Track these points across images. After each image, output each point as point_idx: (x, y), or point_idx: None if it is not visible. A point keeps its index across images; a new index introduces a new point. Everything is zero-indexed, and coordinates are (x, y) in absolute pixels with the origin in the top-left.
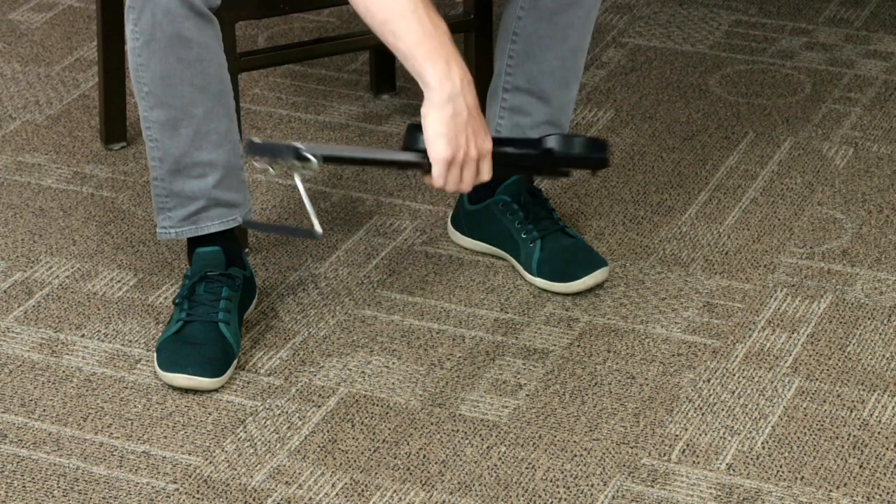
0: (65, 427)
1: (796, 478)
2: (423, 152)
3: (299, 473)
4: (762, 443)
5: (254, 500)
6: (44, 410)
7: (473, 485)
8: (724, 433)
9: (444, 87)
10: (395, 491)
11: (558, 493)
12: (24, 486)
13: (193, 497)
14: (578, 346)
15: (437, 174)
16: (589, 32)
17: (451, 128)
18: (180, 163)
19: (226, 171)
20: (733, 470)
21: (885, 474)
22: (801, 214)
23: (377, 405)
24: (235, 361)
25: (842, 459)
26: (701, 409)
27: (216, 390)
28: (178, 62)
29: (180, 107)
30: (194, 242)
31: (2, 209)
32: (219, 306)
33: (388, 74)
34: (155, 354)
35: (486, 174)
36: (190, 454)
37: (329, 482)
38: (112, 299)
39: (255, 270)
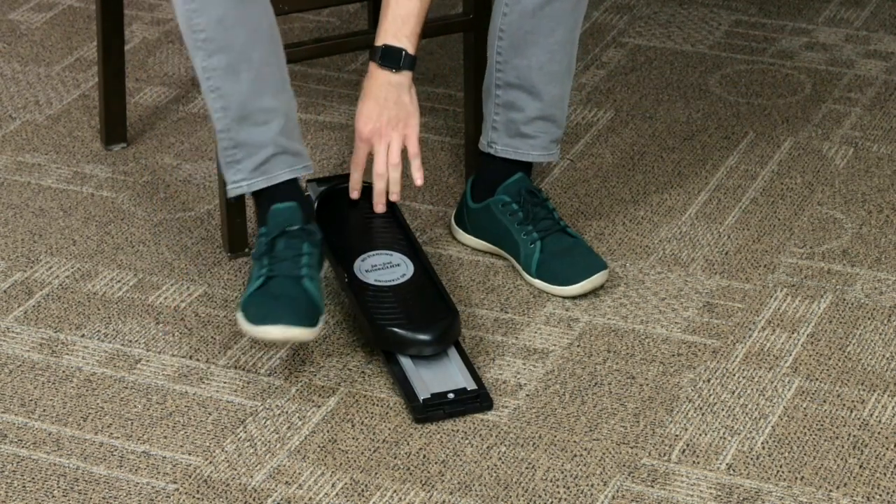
0: (65, 427)
1: (796, 478)
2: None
3: (299, 473)
4: (762, 443)
5: (254, 500)
6: (44, 410)
7: (473, 485)
8: (724, 433)
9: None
10: (395, 491)
11: (558, 493)
12: (24, 486)
13: (193, 497)
14: (578, 346)
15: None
16: (577, 26)
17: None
18: (245, 109)
19: (286, 119)
20: (733, 470)
21: (885, 474)
22: (801, 214)
23: (377, 405)
24: (324, 317)
25: (842, 459)
26: (701, 409)
27: (216, 391)
28: (233, 3)
29: (239, 50)
30: (267, 199)
31: (2, 209)
32: (301, 262)
33: None
34: (240, 313)
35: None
36: (190, 454)
37: (329, 482)
38: (112, 299)
39: None
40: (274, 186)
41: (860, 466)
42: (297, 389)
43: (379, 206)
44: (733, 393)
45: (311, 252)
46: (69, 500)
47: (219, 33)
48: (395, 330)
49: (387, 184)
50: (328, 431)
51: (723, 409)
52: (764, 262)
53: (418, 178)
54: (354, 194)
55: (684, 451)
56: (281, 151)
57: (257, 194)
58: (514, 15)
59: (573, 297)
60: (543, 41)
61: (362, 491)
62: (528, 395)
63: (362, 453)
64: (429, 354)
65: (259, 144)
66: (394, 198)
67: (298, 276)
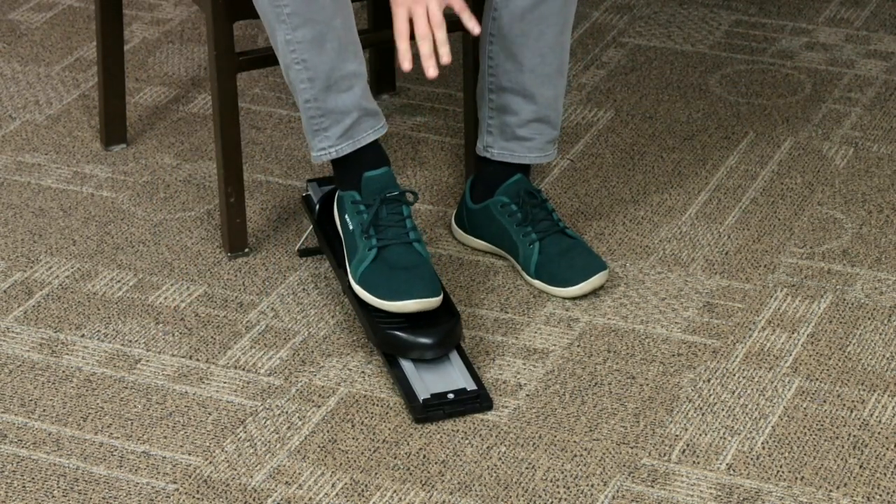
0: (65, 427)
1: (796, 478)
2: None
3: (299, 473)
4: (762, 443)
5: (254, 500)
6: (44, 410)
7: (473, 485)
8: (724, 433)
9: None
10: (395, 491)
11: (558, 493)
12: (24, 486)
13: (193, 497)
14: (578, 346)
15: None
16: (567, 27)
17: None
18: (331, 78)
19: (364, 79)
20: (733, 470)
21: (885, 474)
22: (801, 214)
23: (377, 405)
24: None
25: (842, 459)
26: (701, 409)
27: (216, 391)
28: None
29: (324, 20)
30: (354, 165)
31: (2, 209)
32: (406, 226)
33: (388, 74)
34: (359, 287)
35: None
36: (190, 454)
37: (329, 482)
38: (112, 299)
39: (255, 270)
40: (359, 151)
41: (860, 466)
42: (297, 389)
43: (430, 71)
44: (733, 393)
45: (410, 214)
46: (69, 500)
47: (304, 6)
48: (397, 333)
49: (433, 47)
50: (328, 431)
51: (723, 409)
52: (764, 262)
53: (473, 25)
54: (405, 65)
55: (684, 451)
56: (364, 114)
57: (340, 159)
58: (502, 20)
59: (573, 298)
60: (534, 44)
61: (362, 491)
62: (528, 395)
63: (362, 453)
64: (430, 358)
65: (344, 111)
66: (444, 60)
67: (409, 241)
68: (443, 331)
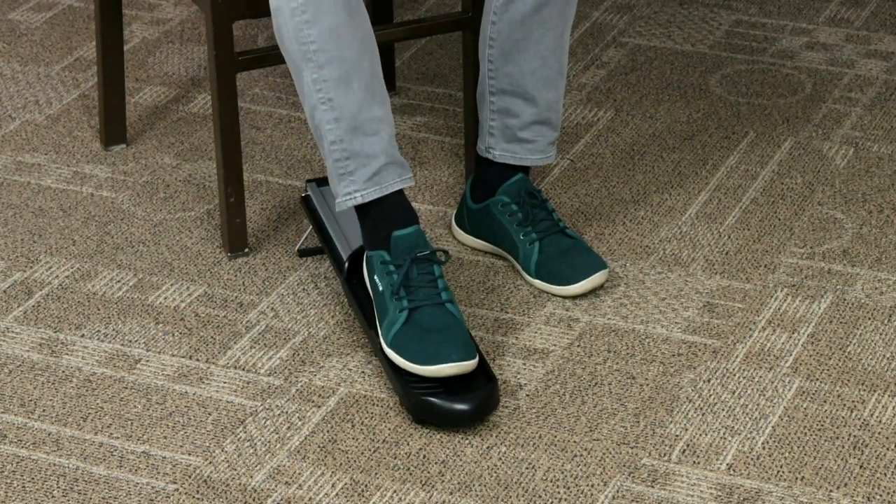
0: (65, 427)
1: (797, 478)
2: None
3: (299, 473)
4: (762, 443)
5: (254, 500)
6: (44, 410)
7: (473, 485)
8: (724, 433)
9: None
10: (395, 491)
11: (558, 493)
12: (23, 486)
13: (193, 497)
14: (578, 346)
15: None
16: (567, 29)
17: None
18: (357, 119)
19: (391, 128)
20: (733, 470)
21: (885, 474)
22: (801, 214)
23: (377, 405)
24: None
25: (842, 460)
26: (701, 409)
27: (216, 391)
28: (344, 11)
29: (352, 60)
30: (381, 219)
31: (2, 209)
32: (438, 286)
33: (388, 74)
34: (391, 351)
35: None
36: (190, 454)
37: (329, 482)
38: (112, 299)
39: (255, 270)
40: (388, 209)
41: (860, 467)
42: (297, 389)
43: None
44: (733, 393)
45: (441, 274)
46: (69, 500)
47: (332, 44)
48: (433, 400)
49: None
50: (328, 431)
51: (723, 409)
52: (764, 262)
53: None
54: None
55: (684, 451)
56: (391, 161)
57: (368, 211)
58: (502, 23)
59: (573, 297)
60: (534, 48)
61: (362, 491)
62: (528, 395)
63: (362, 453)
64: (467, 426)
65: (371, 154)
66: None
67: (441, 302)
68: (480, 396)
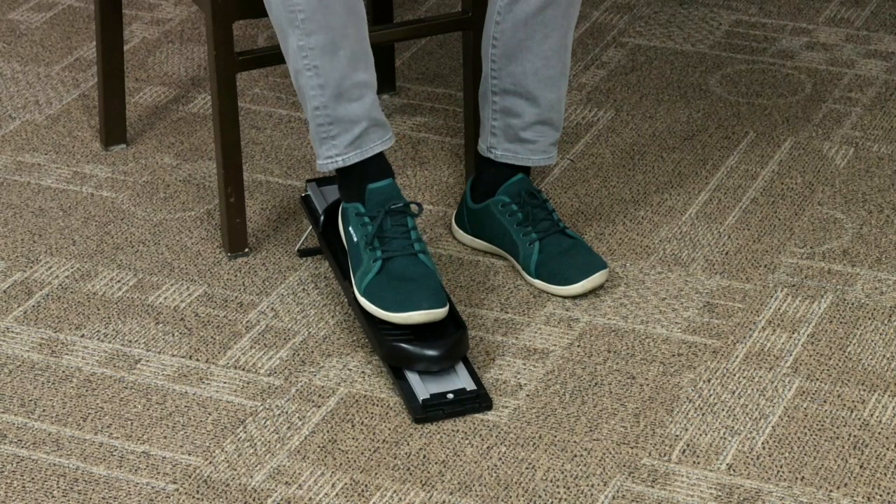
0: (65, 427)
1: (797, 478)
2: None
3: (299, 473)
4: (762, 443)
5: (254, 500)
6: (44, 410)
7: (473, 485)
8: (724, 433)
9: None
10: (395, 491)
11: (558, 493)
12: (24, 486)
13: (193, 497)
14: (578, 346)
15: None
16: (570, 30)
17: None
18: (341, 86)
19: (374, 89)
20: (733, 470)
21: (885, 474)
22: (801, 214)
23: (377, 405)
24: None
25: (842, 460)
26: (701, 409)
27: (216, 391)
28: None
29: (338, 27)
30: (358, 176)
31: (2, 209)
32: (411, 237)
33: (388, 74)
34: (364, 299)
35: None
36: (190, 454)
37: (329, 482)
38: (112, 299)
39: (255, 270)
40: (365, 163)
41: (861, 467)
42: (297, 389)
43: None
44: (733, 393)
45: (414, 226)
46: (69, 500)
47: (318, 12)
48: (403, 345)
49: None
50: (328, 431)
51: (723, 409)
52: (764, 262)
53: None
54: None
55: (684, 451)
56: (373, 124)
57: (346, 170)
58: (506, 24)
59: (573, 297)
60: (537, 48)
61: (362, 491)
62: (528, 395)
63: (362, 453)
64: (437, 370)
65: (354, 120)
66: None
67: (414, 252)
68: (449, 342)
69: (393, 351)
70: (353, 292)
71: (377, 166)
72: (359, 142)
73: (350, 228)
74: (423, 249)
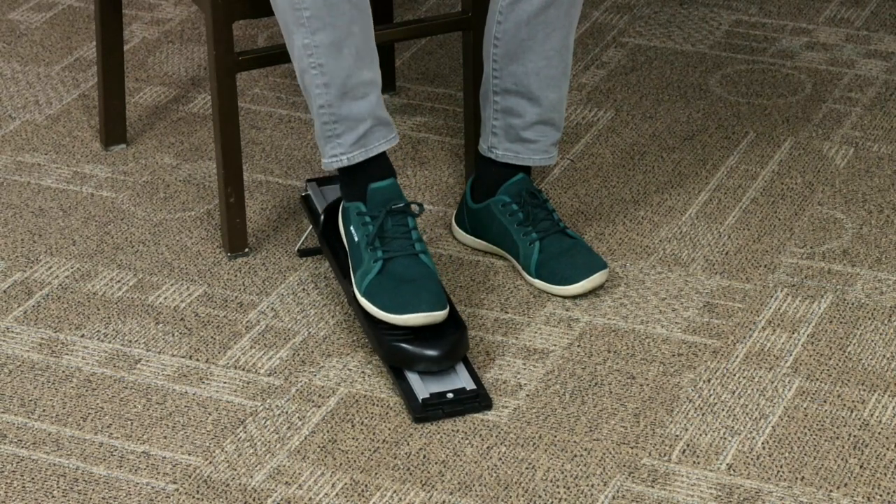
0: (65, 427)
1: (797, 478)
2: None
3: (299, 473)
4: (762, 443)
5: (254, 500)
6: (44, 410)
7: (473, 485)
8: (724, 433)
9: None
10: (395, 491)
11: (558, 493)
12: (24, 486)
13: (193, 497)
14: (578, 346)
15: None
16: (572, 30)
17: None
18: (346, 85)
19: (379, 87)
20: (733, 470)
21: (885, 474)
22: (801, 214)
23: (377, 405)
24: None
25: (842, 460)
26: (701, 409)
27: (216, 391)
28: None
29: (343, 26)
30: (361, 175)
31: (2, 209)
32: (412, 238)
33: (388, 74)
34: (364, 300)
35: None
36: (190, 454)
37: (329, 482)
38: (112, 299)
39: (255, 270)
40: (367, 162)
41: (861, 467)
42: (297, 389)
43: None
44: (733, 393)
45: (415, 226)
46: (69, 500)
47: (324, 10)
48: (403, 346)
49: None
50: (328, 431)
51: (723, 409)
52: (764, 262)
53: None
54: None
55: (684, 451)
56: (378, 123)
57: (349, 168)
58: (508, 23)
59: (573, 297)
60: (539, 48)
61: (362, 491)
62: (528, 395)
63: (362, 453)
64: (437, 370)
65: (359, 118)
66: None
67: (415, 253)
68: (449, 342)
69: (393, 351)
70: (354, 292)
71: (379, 166)
72: (363, 140)
73: (351, 228)
74: (423, 250)
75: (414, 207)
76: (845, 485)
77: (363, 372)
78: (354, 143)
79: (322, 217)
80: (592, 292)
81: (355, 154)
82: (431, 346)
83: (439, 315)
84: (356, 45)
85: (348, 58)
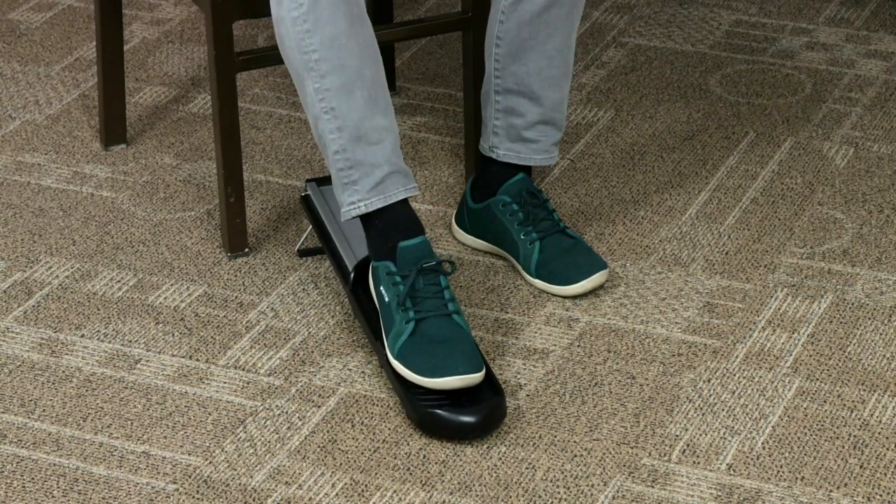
0: (65, 427)
1: (797, 478)
2: None
3: (299, 473)
4: (762, 443)
5: (254, 500)
6: (44, 410)
7: (473, 485)
8: (724, 433)
9: None
10: (395, 491)
11: (558, 493)
12: (24, 486)
13: (193, 497)
14: (578, 346)
15: None
16: (574, 30)
17: None
18: (360, 129)
19: (395, 137)
20: (733, 470)
21: (885, 474)
22: (801, 214)
23: (377, 405)
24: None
25: (842, 460)
26: (701, 409)
27: (216, 391)
28: (345, 20)
29: (353, 68)
30: (388, 236)
31: (2, 209)
32: (444, 297)
33: (388, 74)
34: (397, 363)
35: None
36: (190, 454)
37: (329, 482)
38: (112, 299)
39: (255, 270)
40: (393, 219)
41: (861, 467)
42: (297, 389)
43: None
44: (733, 393)
45: (448, 285)
46: (69, 500)
47: (333, 52)
48: (439, 412)
49: None
50: (328, 431)
51: (723, 409)
52: (764, 262)
53: None
54: None
55: (684, 451)
56: (395, 170)
57: (370, 219)
58: (510, 23)
59: (573, 297)
60: (541, 47)
61: (362, 491)
62: (528, 395)
63: (362, 453)
64: (473, 439)
65: (374, 164)
66: None
67: (448, 313)
68: (487, 408)
69: (427, 419)
70: (386, 355)
71: (407, 221)
72: (381, 187)
73: (381, 288)
74: (456, 310)
75: (446, 266)
76: (845, 485)
77: (363, 372)
78: (371, 190)
79: (352, 275)
80: (592, 292)
81: (373, 201)
82: (468, 413)
83: (476, 377)
84: (367, 88)
85: (360, 101)
